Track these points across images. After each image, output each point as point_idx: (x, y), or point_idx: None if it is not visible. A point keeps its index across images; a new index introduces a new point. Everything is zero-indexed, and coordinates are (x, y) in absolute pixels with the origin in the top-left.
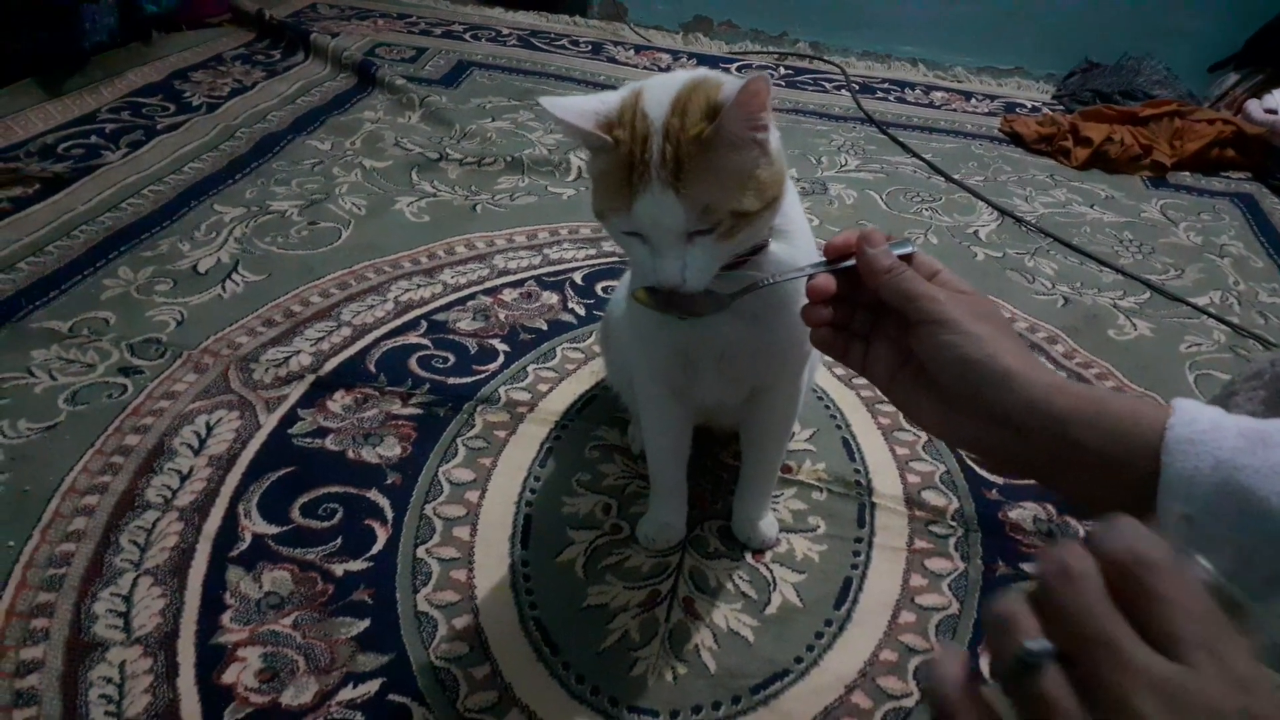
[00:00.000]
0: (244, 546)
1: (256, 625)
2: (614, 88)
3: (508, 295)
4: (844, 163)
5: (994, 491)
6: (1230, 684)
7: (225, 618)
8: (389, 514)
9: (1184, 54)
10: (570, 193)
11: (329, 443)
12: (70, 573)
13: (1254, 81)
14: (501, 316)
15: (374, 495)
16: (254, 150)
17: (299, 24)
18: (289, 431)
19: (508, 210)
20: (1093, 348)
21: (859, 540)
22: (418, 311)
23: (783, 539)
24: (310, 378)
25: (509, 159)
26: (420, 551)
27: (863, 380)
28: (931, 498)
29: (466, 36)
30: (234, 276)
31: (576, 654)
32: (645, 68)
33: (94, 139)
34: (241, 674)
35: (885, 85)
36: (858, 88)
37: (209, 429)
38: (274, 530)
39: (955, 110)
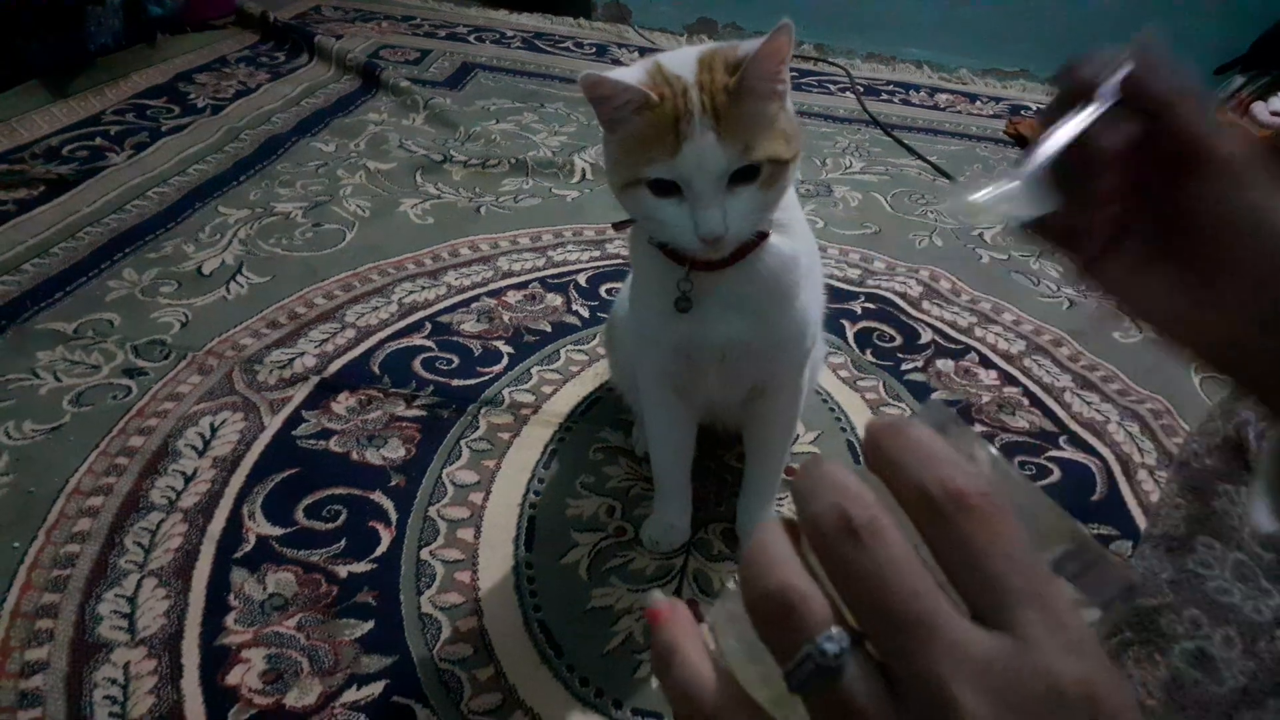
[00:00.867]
0: (248, 548)
1: (260, 627)
2: None
3: (512, 297)
4: (848, 165)
5: None
6: (1063, 649)
7: (229, 619)
8: (393, 516)
9: (1189, 57)
10: (574, 195)
11: (333, 444)
12: (75, 574)
13: (1260, 84)
14: (505, 318)
15: (378, 497)
16: (258, 152)
17: (303, 26)
18: (293, 433)
19: (512, 212)
20: (1098, 350)
21: None
22: (422, 313)
23: None
24: (314, 379)
25: (513, 161)
26: (424, 553)
27: (867, 382)
28: None
29: (471, 39)
30: (238, 278)
31: (580, 656)
32: None
33: (99, 141)
34: (245, 675)
35: (890, 87)
36: (862, 90)
37: (213, 430)
38: (278, 532)
39: (960, 112)
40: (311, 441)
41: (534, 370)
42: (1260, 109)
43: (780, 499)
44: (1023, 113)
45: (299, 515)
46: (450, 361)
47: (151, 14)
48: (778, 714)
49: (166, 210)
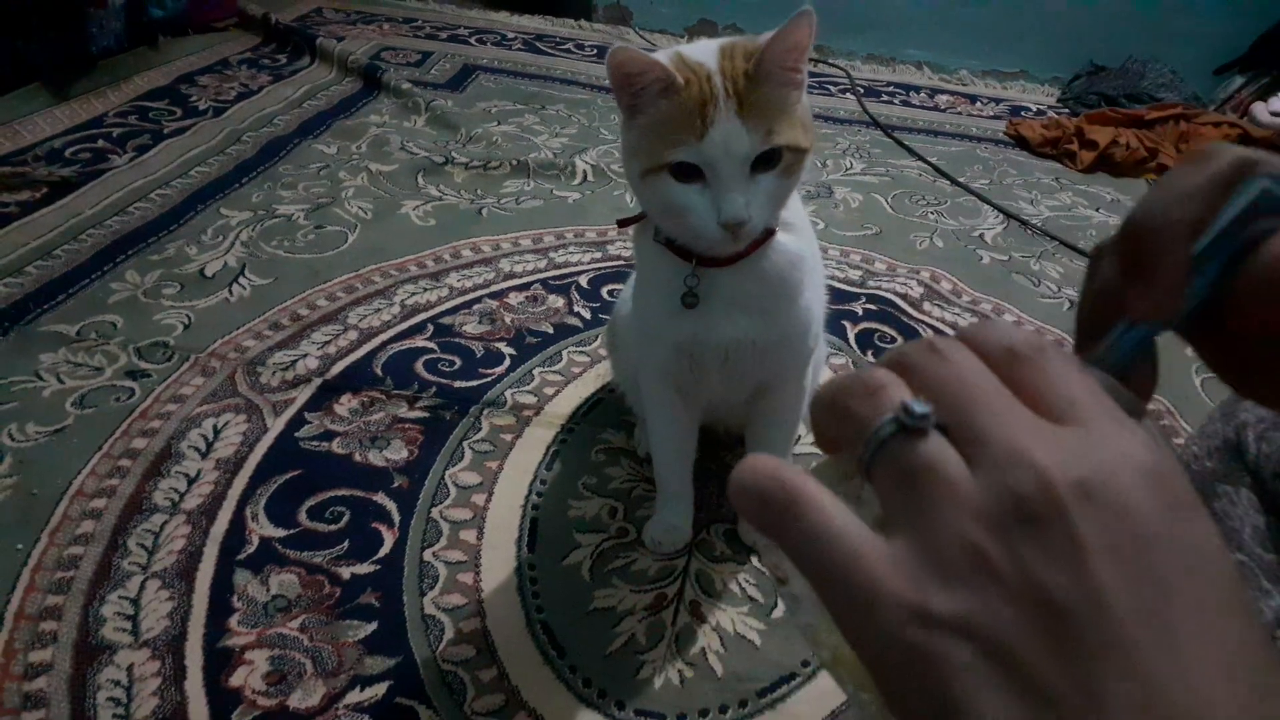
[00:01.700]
0: (251, 549)
1: (264, 628)
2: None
3: (514, 299)
4: (849, 166)
5: None
6: (1136, 442)
7: (233, 621)
8: (396, 517)
9: (1189, 57)
10: (576, 196)
11: (336, 446)
12: (78, 576)
13: (1260, 84)
14: (507, 320)
15: (381, 498)
16: (260, 154)
17: (305, 28)
18: (296, 435)
19: (513, 214)
20: None
21: None
22: (424, 315)
23: None
24: (317, 381)
25: (514, 163)
26: (427, 554)
27: None
28: None
29: (472, 40)
30: (241, 280)
31: (583, 657)
32: None
33: (101, 143)
34: (249, 677)
35: (890, 88)
36: (862, 91)
37: (216, 432)
38: (281, 533)
39: (960, 113)
40: (314, 443)
41: (536, 372)
42: (1260, 109)
43: None
44: (1022, 114)
45: (302, 517)
46: (452, 363)
47: (153, 16)
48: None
49: (169, 212)
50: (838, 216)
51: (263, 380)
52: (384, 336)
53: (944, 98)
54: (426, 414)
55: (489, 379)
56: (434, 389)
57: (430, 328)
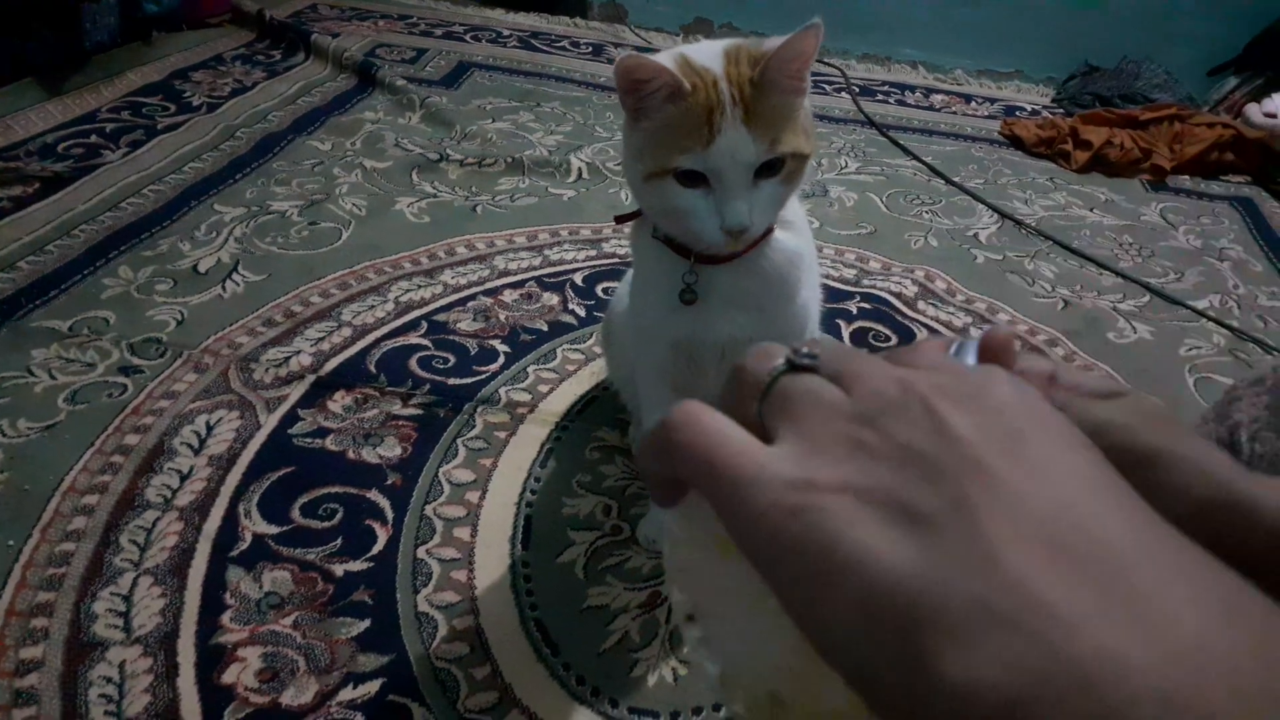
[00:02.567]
0: (244, 546)
1: (257, 625)
2: (615, 90)
3: (508, 296)
4: (844, 165)
5: None
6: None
7: (225, 618)
8: (389, 514)
9: (1183, 58)
10: (570, 194)
11: (329, 443)
12: (70, 572)
13: (1253, 85)
14: (502, 317)
15: (374, 495)
16: (254, 150)
17: (299, 24)
18: (289, 431)
19: (508, 211)
20: (1092, 351)
21: None
22: (418, 312)
23: None
24: (310, 378)
25: (509, 160)
26: (421, 552)
27: None
28: None
29: (467, 38)
30: (234, 276)
31: (577, 655)
32: None
33: (94, 138)
34: (241, 674)
35: (885, 88)
36: (858, 90)
37: (209, 429)
38: (274, 530)
39: (955, 113)
40: (308, 440)
41: (530, 369)
42: (1253, 110)
43: None
44: (1017, 114)
45: (295, 514)
46: (446, 360)
47: (147, 12)
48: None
49: (162, 208)
50: (833, 215)
51: (256, 377)
52: (378, 333)
53: (939, 97)
54: (420, 411)
55: (483, 376)
56: (428, 386)
57: (424, 325)
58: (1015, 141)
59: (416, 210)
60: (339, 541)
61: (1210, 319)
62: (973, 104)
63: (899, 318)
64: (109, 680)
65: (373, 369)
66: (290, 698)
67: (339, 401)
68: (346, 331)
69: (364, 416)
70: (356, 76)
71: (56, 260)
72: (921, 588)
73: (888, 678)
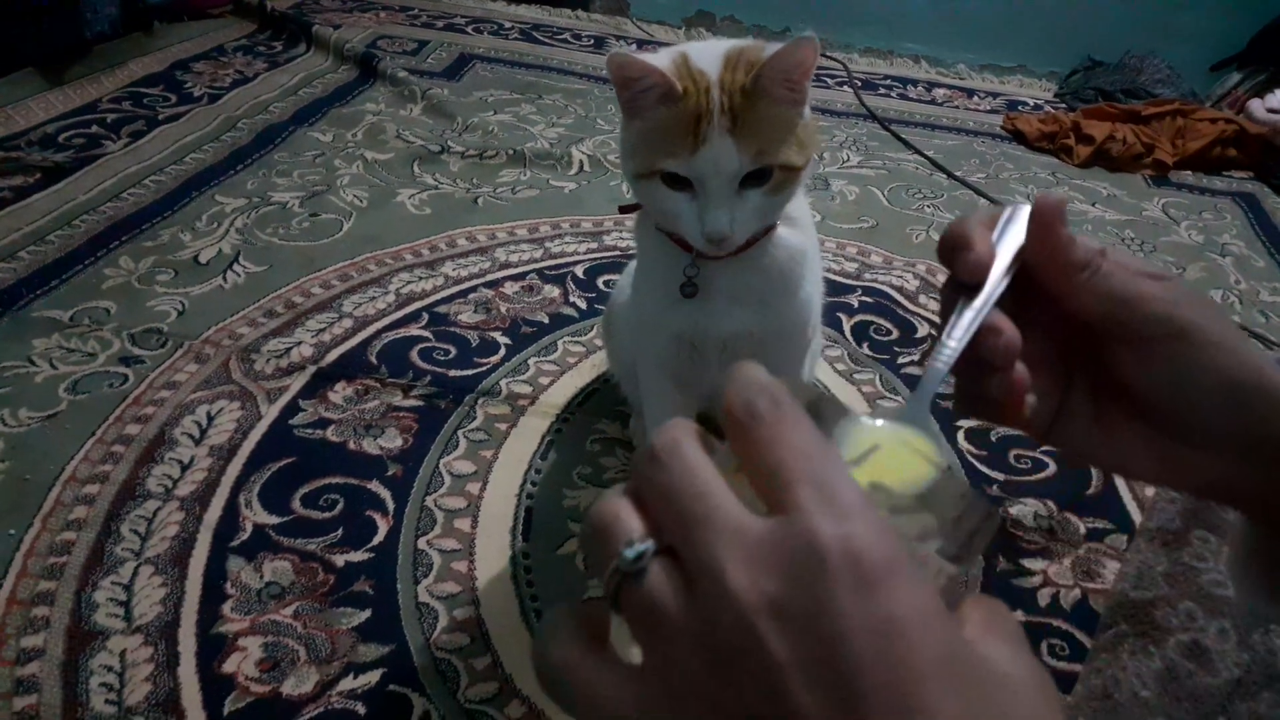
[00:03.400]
0: (245, 536)
1: (257, 615)
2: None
3: (509, 288)
4: (846, 159)
5: (994, 488)
6: (829, 515)
7: (226, 607)
8: (390, 505)
9: (1186, 53)
10: (572, 186)
11: (330, 434)
12: (71, 561)
13: (1256, 81)
14: (503, 309)
15: (375, 486)
16: (255, 141)
17: (301, 15)
18: (290, 422)
19: (509, 203)
20: None
21: None
22: (419, 304)
23: None
24: (311, 369)
25: (510, 152)
26: (421, 543)
27: (864, 375)
28: None
29: (469, 30)
30: (235, 267)
31: None
32: None
33: (95, 129)
34: (242, 663)
35: (888, 82)
36: (860, 84)
37: (210, 419)
38: (275, 520)
39: (957, 107)
40: (309, 431)
41: (531, 361)
42: (1256, 105)
43: None
44: (1020, 108)
45: (296, 504)
46: (447, 352)
47: (148, 2)
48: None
49: (163, 199)
50: (834, 209)
51: (257, 367)
52: (379, 325)
53: (941, 91)
54: (421, 402)
55: (484, 368)
56: (429, 378)
57: (425, 316)
58: (1018, 136)
59: (418, 202)
60: (340, 532)
61: None
62: (975, 98)
63: (900, 311)
64: (109, 669)
65: (374, 360)
66: (291, 687)
67: (340, 393)
68: (347, 323)
69: (365, 408)
70: (358, 68)
71: (57, 250)
72: None
73: None
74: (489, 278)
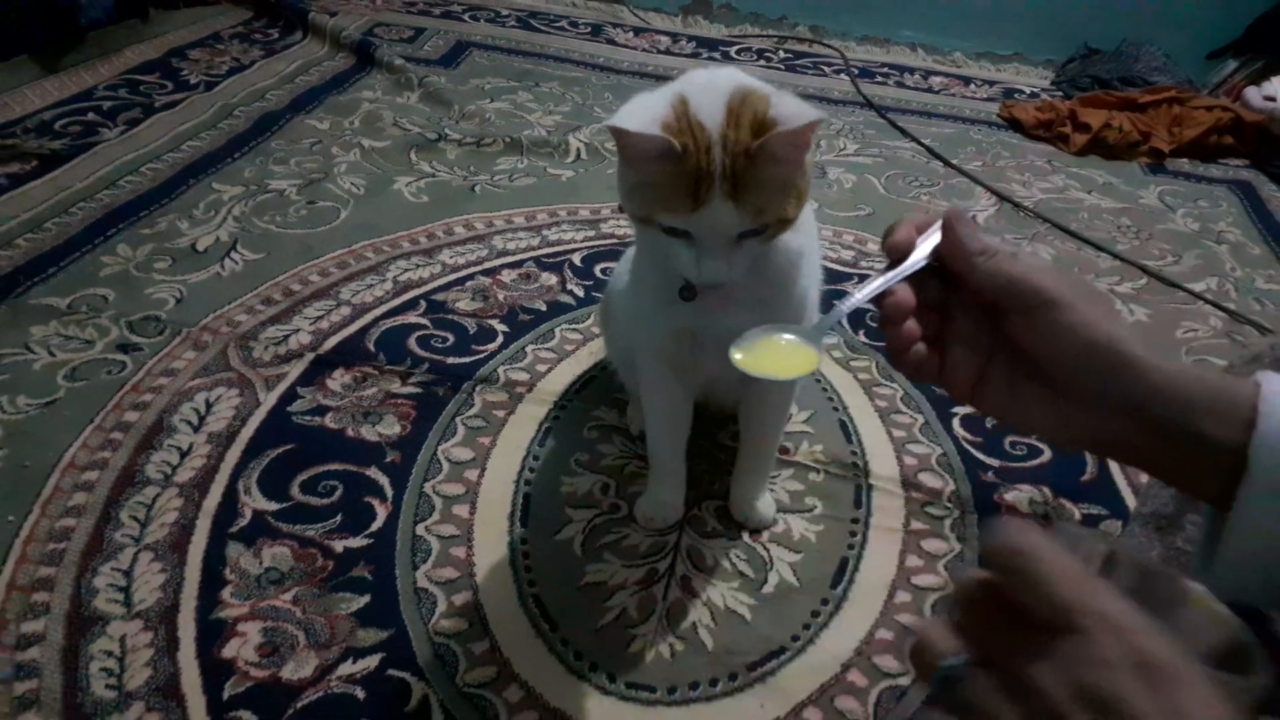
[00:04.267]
0: (244, 523)
1: (257, 600)
2: (613, 70)
3: (506, 276)
4: (842, 147)
5: (990, 474)
6: (1115, 635)
7: (225, 593)
8: (389, 491)
9: (1183, 41)
10: (569, 174)
11: (329, 420)
12: (70, 547)
13: (1253, 69)
14: (500, 297)
15: (374, 473)
16: (252, 129)
17: (297, 3)
18: (289, 409)
19: (506, 191)
20: None
21: (856, 521)
22: (416, 291)
23: (780, 519)
24: (310, 356)
25: (508, 140)
26: (420, 529)
27: (860, 362)
28: (928, 479)
29: (465, 17)
30: (233, 255)
31: (575, 630)
32: (644, 50)
33: (91, 116)
34: (242, 648)
35: (884, 70)
36: (857, 72)
37: (208, 406)
38: (274, 507)
39: (954, 95)
40: (307, 418)
41: (529, 349)
42: (1252, 93)
43: (773, 478)
44: (1016, 96)
45: (295, 491)
46: (445, 339)
47: None
48: None
49: (160, 186)
50: (831, 197)
51: (255, 355)
52: (377, 312)
53: (938, 79)
54: (419, 390)
55: (482, 355)
56: (427, 365)
57: (423, 304)
58: (1014, 124)
59: (415, 190)
60: (338, 518)
61: (1207, 301)
62: (971, 86)
63: None
64: (110, 654)
65: (372, 348)
66: (290, 672)
67: (338, 380)
68: (345, 310)
69: (363, 395)
70: (355, 55)
71: (55, 238)
72: None
73: None
74: (486, 265)
